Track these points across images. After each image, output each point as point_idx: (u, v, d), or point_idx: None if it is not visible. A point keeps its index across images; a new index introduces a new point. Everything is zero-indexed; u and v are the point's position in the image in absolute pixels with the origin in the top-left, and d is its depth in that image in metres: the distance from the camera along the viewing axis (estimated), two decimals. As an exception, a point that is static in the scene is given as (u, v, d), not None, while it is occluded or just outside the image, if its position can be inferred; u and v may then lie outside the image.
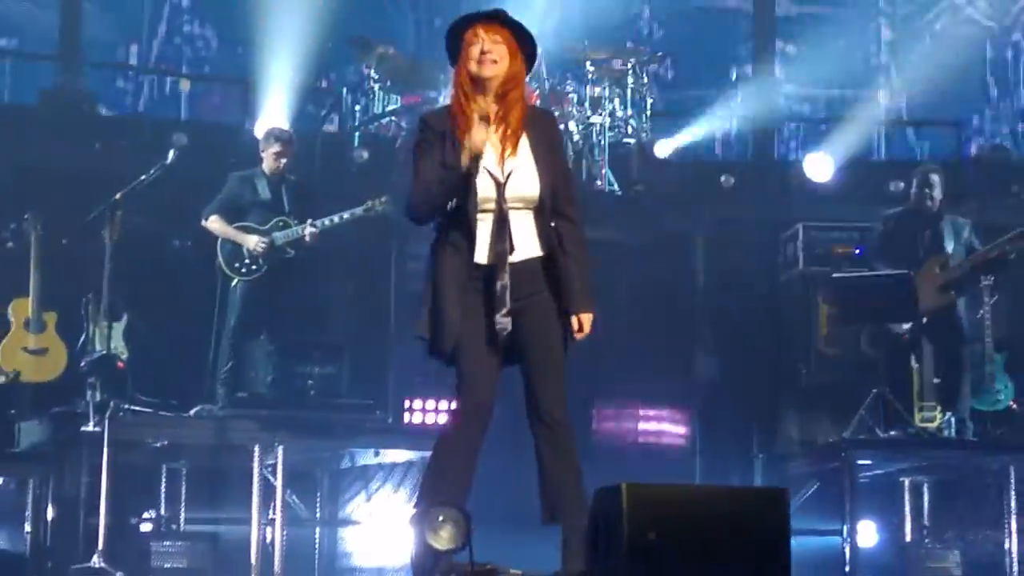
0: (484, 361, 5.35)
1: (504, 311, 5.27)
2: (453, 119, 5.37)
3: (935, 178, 9.47)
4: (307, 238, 9.08)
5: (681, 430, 10.91)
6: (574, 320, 5.40)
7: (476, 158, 5.27)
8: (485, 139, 5.29)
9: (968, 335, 9.55)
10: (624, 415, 10.81)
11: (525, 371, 5.40)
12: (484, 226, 5.34)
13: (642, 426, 10.72)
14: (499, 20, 5.42)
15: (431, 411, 10.44)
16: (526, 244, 5.37)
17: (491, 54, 5.33)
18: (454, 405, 5.43)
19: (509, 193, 5.32)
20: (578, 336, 5.42)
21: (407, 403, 10.24)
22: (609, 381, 10.43)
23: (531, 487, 5.37)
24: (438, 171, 5.29)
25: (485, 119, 5.30)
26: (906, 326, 9.26)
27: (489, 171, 5.32)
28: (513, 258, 5.32)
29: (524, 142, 5.39)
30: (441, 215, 5.41)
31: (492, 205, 5.32)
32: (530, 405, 5.39)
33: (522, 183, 5.35)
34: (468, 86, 5.36)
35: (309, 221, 9.07)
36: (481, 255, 5.34)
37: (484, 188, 5.31)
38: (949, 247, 9.39)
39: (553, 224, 5.43)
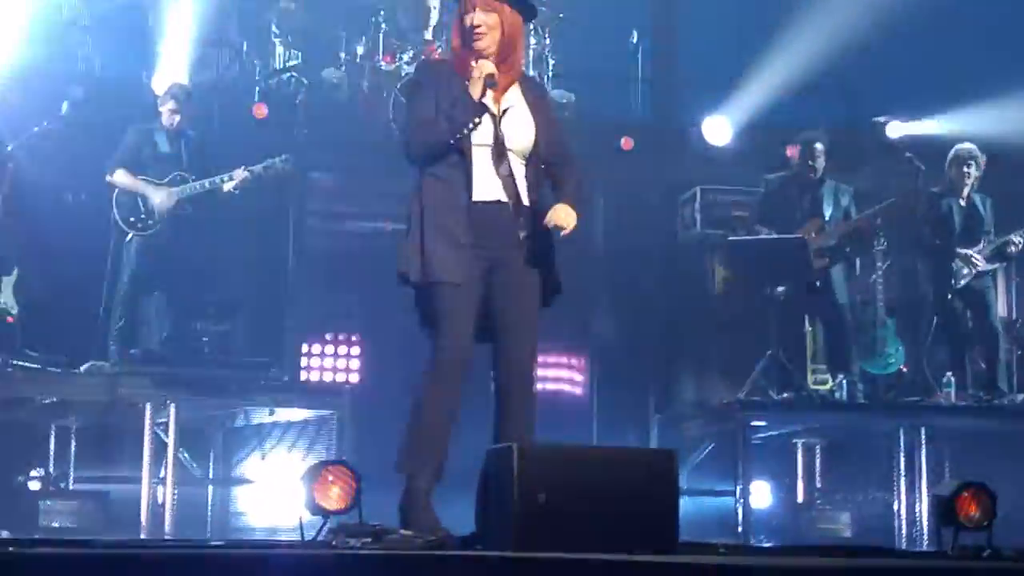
0: (469, 307, 5.30)
1: (524, 235, 5.28)
2: (452, 66, 5.44)
3: (818, 146, 9.63)
4: (227, 188, 9.02)
5: (578, 378, 10.95)
6: (555, 210, 5.35)
7: (489, 83, 5.28)
8: (492, 72, 5.31)
9: (853, 299, 9.71)
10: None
11: (500, 324, 5.35)
12: (481, 161, 5.33)
13: (540, 372, 10.73)
14: None
15: (328, 369, 10.45)
16: (522, 188, 5.36)
17: (481, 27, 5.37)
18: (432, 354, 5.31)
19: (505, 129, 5.34)
20: (562, 230, 5.35)
21: (304, 348, 10.22)
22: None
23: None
24: (444, 112, 5.27)
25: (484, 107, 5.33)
26: (780, 288, 9.37)
27: (487, 108, 5.33)
28: (515, 196, 5.31)
29: (520, 98, 5.45)
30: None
31: (489, 139, 5.33)
32: (501, 358, 5.35)
33: (517, 126, 5.39)
34: (466, 38, 5.41)
35: (243, 167, 9.03)
36: (482, 191, 5.31)
37: (482, 123, 5.32)
38: (827, 212, 9.54)
39: (553, 169, 5.47)
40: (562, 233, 5.36)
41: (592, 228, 10.96)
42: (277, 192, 9.72)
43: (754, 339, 9.57)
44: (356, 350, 10.49)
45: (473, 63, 5.36)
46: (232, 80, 10.64)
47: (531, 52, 10.76)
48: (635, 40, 11.44)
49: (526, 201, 5.36)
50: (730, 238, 9.88)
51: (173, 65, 10.14)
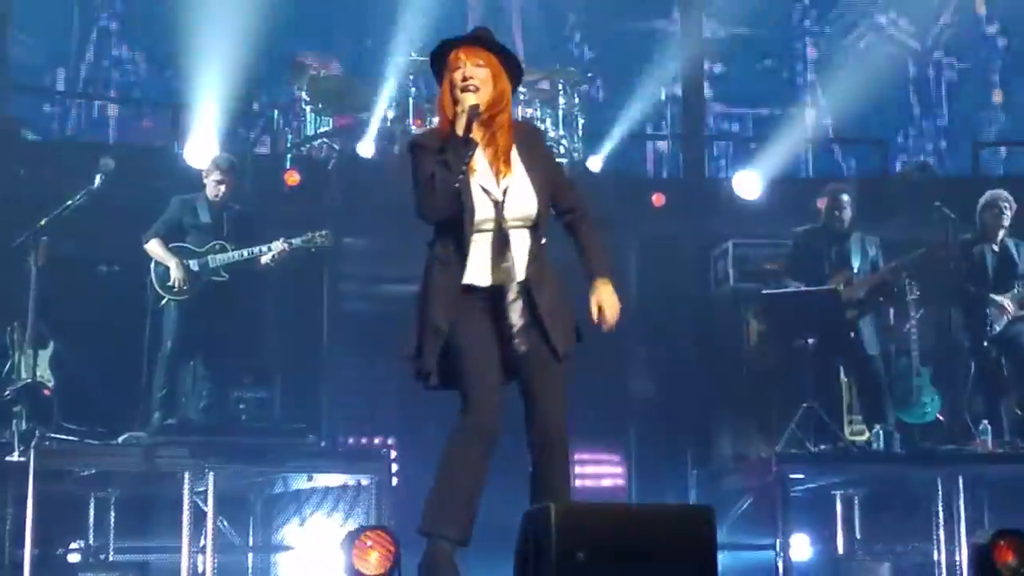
0: (491, 378, 5.23)
1: (518, 327, 5.18)
2: (443, 140, 5.29)
3: (844, 197, 9.68)
4: (264, 261, 9.09)
5: (617, 470, 10.91)
6: (597, 295, 5.33)
7: (472, 113, 5.18)
8: (476, 104, 5.21)
9: (887, 349, 9.69)
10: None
11: (525, 389, 5.29)
12: (482, 246, 5.26)
13: (578, 470, 10.70)
14: (481, 43, 5.35)
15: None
16: (521, 264, 5.28)
17: (473, 80, 5.26)
18: (462, 413, 5.23)
19: (508, 212, 5.24)
20: (607, 317, 5.34)
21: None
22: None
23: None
24: (438, 171, 5.18)
25: (473, 142, 5.23)
26: (812, 340, 9.36)
27: (485, 189, 5.24)
28: (510, 279, 5.23)
29: (516, 160, 5.33)
30: (436, 233, 5.31)
31: (491, 224, 5.24)
32: (531, 422, 5.29)
33: (519, 200, 5.27)
34: (452, 110, 5.28)
35: (283, 239, 9.09)
36: (483, 276, 5.25)
37: (482, 207, 5.23)
38: (855, 264, 9.55)
39: (565, 219, 5.42)
40: (604, 327, 5.34)
41: (625, 284, 10.96)
42: (312, 257, 9.77)
43: (790, 391, 9.54)
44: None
45: (456, 103, 5.25)
46: (263, 148, 10.76)
47: (560, 112, 10.85)
48: (663, 98, 11.50)
49: (524, 276, 5.27)
50: (763, 291, 9.87)
51: (204, 134, 10.26)
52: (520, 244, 5.28)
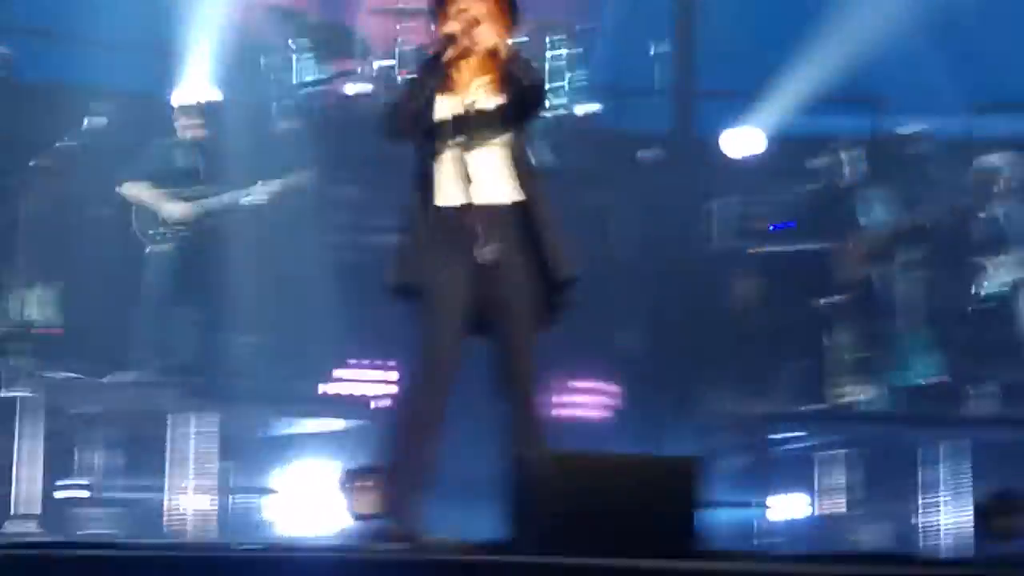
0: (449, 316, 5.16)
1: (481, 243, 5.08)
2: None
3: (845, 154, 9.63)
4: (245, 202, 9.11)
5: (607, 402, 10.91)
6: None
7: (443, 48, 5.16)
8: (453, 32, 5.18)
9: (892, 308, 9.69)
10: (547, 389, 10.71)
11: (499, 334, 5.21)
12: (448, 164, 5.20)
13: (566, 398, 10.70)
14: None
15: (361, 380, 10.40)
16: (493, 186, 5.20)
17: (467, 12, 5.23)
18: (418, 359, 5.20)
19: (474, 126, 5.18)
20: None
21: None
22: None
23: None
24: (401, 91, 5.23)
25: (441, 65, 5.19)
26: (822, 300, 9.37)
27: (452, 106, 5.20)
28: (479, 199, 5.16)
29: (494, 84, 5.28)
30: (414, 156, 5.27)
31: (458, 139, 5.18)
32: (504, 372, 5.21)
33: (487, 114, 5.20)
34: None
35: (261, 181, 9.12)
36: (452, 196, 5.18)
37: (446, 123, 5.18)
38: (863, 221, 9.54)
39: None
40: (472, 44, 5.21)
41: (611, 239, 10.97)
42: (300, 206, 9.75)
43: (782, 351, 9.56)
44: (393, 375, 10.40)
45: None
46: (253, 95, 10.71)
47: (548, 65, 10.79)
48: (653, 52, 11.44)
49: (506, 199, 5.21)
50: (753, 250, 9.87)
51: (193, 80, 10.22)
52: (489, 164, 5.21)
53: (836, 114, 11.15)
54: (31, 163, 8.48)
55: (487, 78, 5.29)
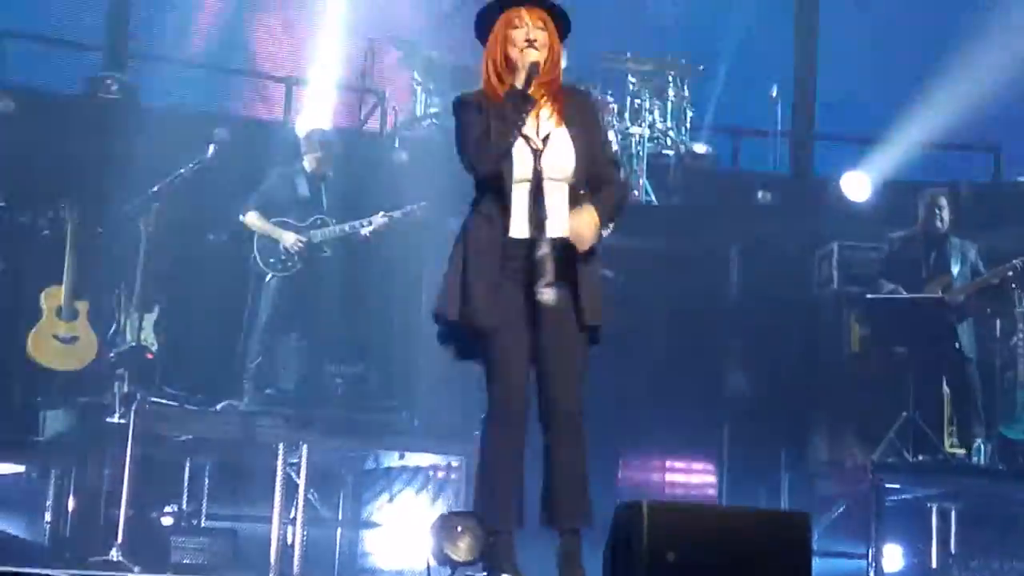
0: (519, 349, 5.15)
1: (545, 282, 5.05)
2: (487, 98, 5.26)
3: (943, 201, 9.50)
4: (364, 233, 9.14)
5: (709, 479, 10.80)
6: (575, 214, 5.17)
7: (529, 79, 5.15)
8: (537, 60, 5.18)
9: (991, 361, 9.50)
10: (650, 466, 10.67)
11: (542, 367, 5.18)
12: (521, 198, 5.18)
13: (669, 477, 10.63)
14: (541, 3, 5.31)
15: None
16: (561, 220, 5.18)
17: (537, 41, 5.23)
18: (488, 403, 5.19)
19: (546, 162, 5.17)
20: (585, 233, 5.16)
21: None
22: (635, 427, 10.26)
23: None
24: (495, 124, 5.13)
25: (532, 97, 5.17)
26: (901, 348, 9.22)
27: (527, 137, 5.18)
28: (550, 232, 5.12)
29: (563, 120, 5.27)
30: (477, 190, 5.25)
31: (529, 174, 5.17)
32: (545, 401, 5.19)
33: (558, 153, 5.20)
34: (503, 67, 5.26)
35: (382, 213, 9.17)
36: (520, 228, 5.16)
37: (521, 157, 5.16)
38: (955, 270, 9.38)
39: (593, 185, 5.27)
40: (579, 247, 5.16)
41: (727, 280, 10.89)
42: (413, 235, 9.79)
43: (890, 399, 9.41)
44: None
45: (517, 59, 5.20)
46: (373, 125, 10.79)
47: (670, 104, 10.78)
48: (775, 94, 11.37)
49: (559, 233, 5.17)
50: (868, 295, 9.73)
51: (316, 110, 10.32)
52: (558, 198, 5.19)
53: (956, 160, 11.00)
54: (152, 189, 8.57)
55: (554, 108, 5.29)
